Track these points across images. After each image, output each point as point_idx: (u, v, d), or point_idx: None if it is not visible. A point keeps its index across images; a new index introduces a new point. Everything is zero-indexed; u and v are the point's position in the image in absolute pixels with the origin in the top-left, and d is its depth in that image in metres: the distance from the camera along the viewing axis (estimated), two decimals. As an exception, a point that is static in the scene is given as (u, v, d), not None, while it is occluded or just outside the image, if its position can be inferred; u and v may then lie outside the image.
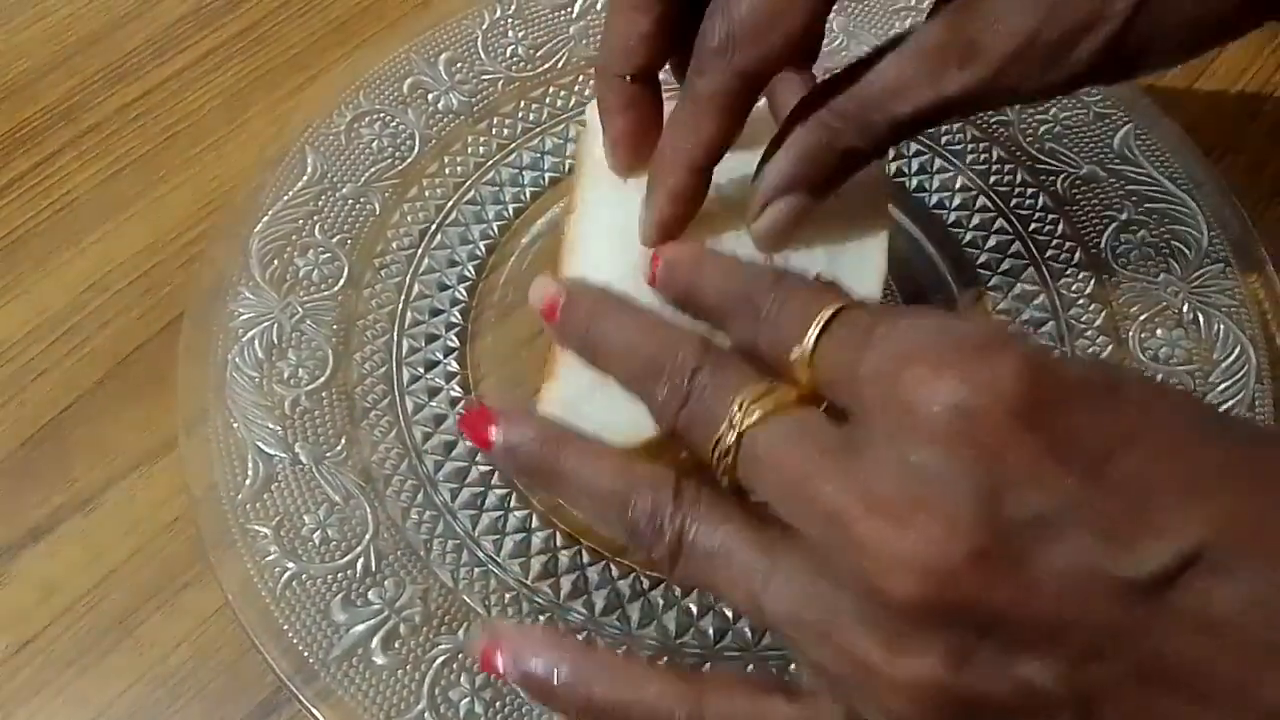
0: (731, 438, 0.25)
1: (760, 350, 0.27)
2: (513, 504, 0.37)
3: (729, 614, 0.35)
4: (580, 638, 0.33)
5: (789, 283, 0.27)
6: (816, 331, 0.25)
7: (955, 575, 0.21)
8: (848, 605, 0.23)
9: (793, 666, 0.34)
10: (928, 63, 0.30)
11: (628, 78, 0.33)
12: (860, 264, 0.35)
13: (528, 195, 0.43)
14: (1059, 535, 0.21)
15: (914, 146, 0.44)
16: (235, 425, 0.37)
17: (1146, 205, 0.42)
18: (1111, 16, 0.29)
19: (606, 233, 0.35)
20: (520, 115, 0.45)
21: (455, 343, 0.40)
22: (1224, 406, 0.38)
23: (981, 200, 0.43)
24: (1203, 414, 0.24)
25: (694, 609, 0.35)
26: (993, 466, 0.22)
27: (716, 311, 0.28)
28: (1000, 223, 0.43)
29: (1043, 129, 0.44)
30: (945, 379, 0.22)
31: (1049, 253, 0.42)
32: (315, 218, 0.42)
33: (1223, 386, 0.39)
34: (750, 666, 0.34)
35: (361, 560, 0.35)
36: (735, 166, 0.33)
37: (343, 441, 0.37)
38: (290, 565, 0.35)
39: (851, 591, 0.23)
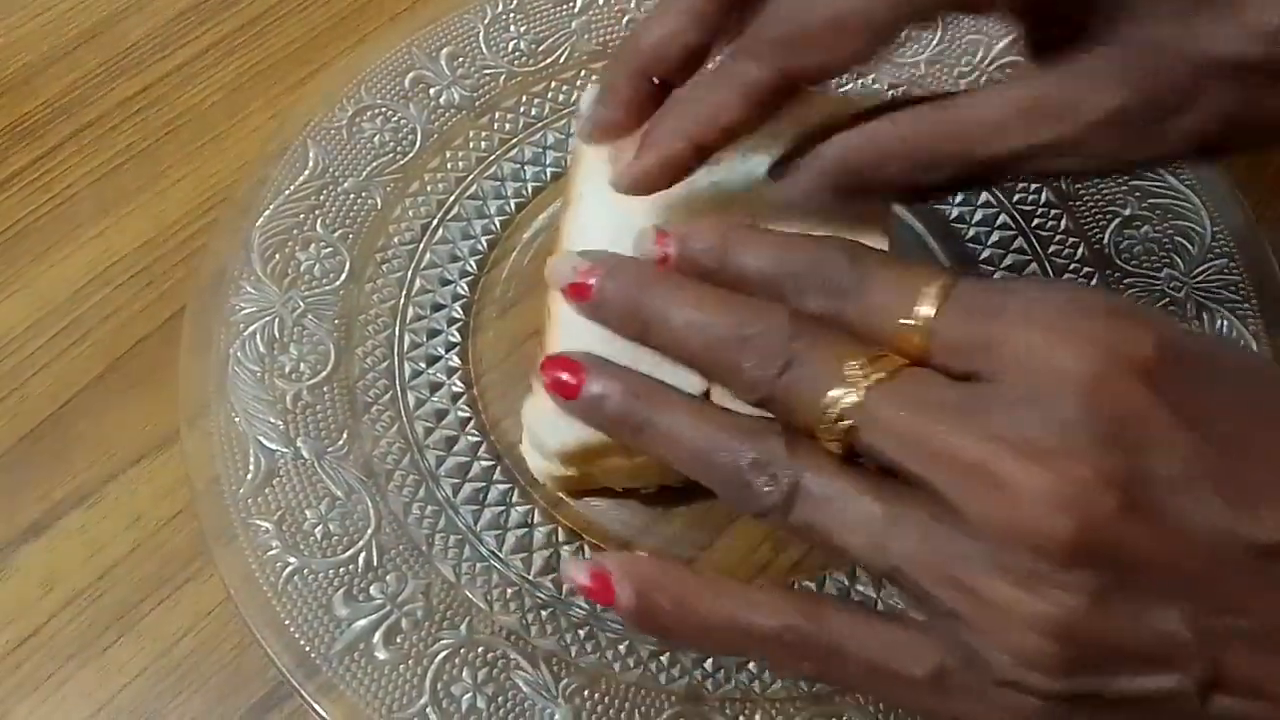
0: (850, 399, 0.25)
1: (849, 321, 0.27)
2: (515, 499, 0.37)
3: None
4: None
5: (866, 254, 0.27)
6: (934, 303, 0.25)
7: (1107, 518, 0.23)
8: (980, 549, 0.24)
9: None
10: (1020, 113, 0.30)
11: (653, 80, 0.32)
12: None
13: (530, 190, 0.43)
14: (1194, 494, 0.23)
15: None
16: (237, 419, 0.37)
17: (1150, 201, 0.42)
18: (1204, 102, 0.29)
19: (603, 226, 0.34)
20: (522, 110, 0.45)
21: (457, 338, 0.40)
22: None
23: (985, 196, 0.43)
24: None
25: (696, 604, 0.35)
26: (1133, 424, 0.23)
27: (766, 288, 0.28)
28: (1003, 218, 0.43)
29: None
30: (1085, 344, 0.24)
31: (1052, 249, 0.42)
32: (317, 212, 0.41)
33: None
34: (752, 663, 0.34)
35: (363, 555, 0.35)
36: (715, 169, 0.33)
37: (344, 436, 0.37)
38: (292, 560, 0.35)
39: (987, 534, 0.23)
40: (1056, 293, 0.25)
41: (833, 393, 0.25)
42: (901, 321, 0.26)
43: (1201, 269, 0.41)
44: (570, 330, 0.31)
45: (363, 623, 0.34)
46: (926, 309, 0.25)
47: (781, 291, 0.27)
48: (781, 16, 0.30)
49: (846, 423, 0.25)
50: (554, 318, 0.33)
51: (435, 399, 0.39)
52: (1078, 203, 0.43)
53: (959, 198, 0.43)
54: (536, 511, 0.37)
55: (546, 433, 0.33)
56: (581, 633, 0.35)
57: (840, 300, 0.27)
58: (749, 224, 0.30)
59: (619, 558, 0.27)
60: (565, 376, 0.28)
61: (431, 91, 0.44)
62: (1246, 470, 0.23)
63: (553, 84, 0.45)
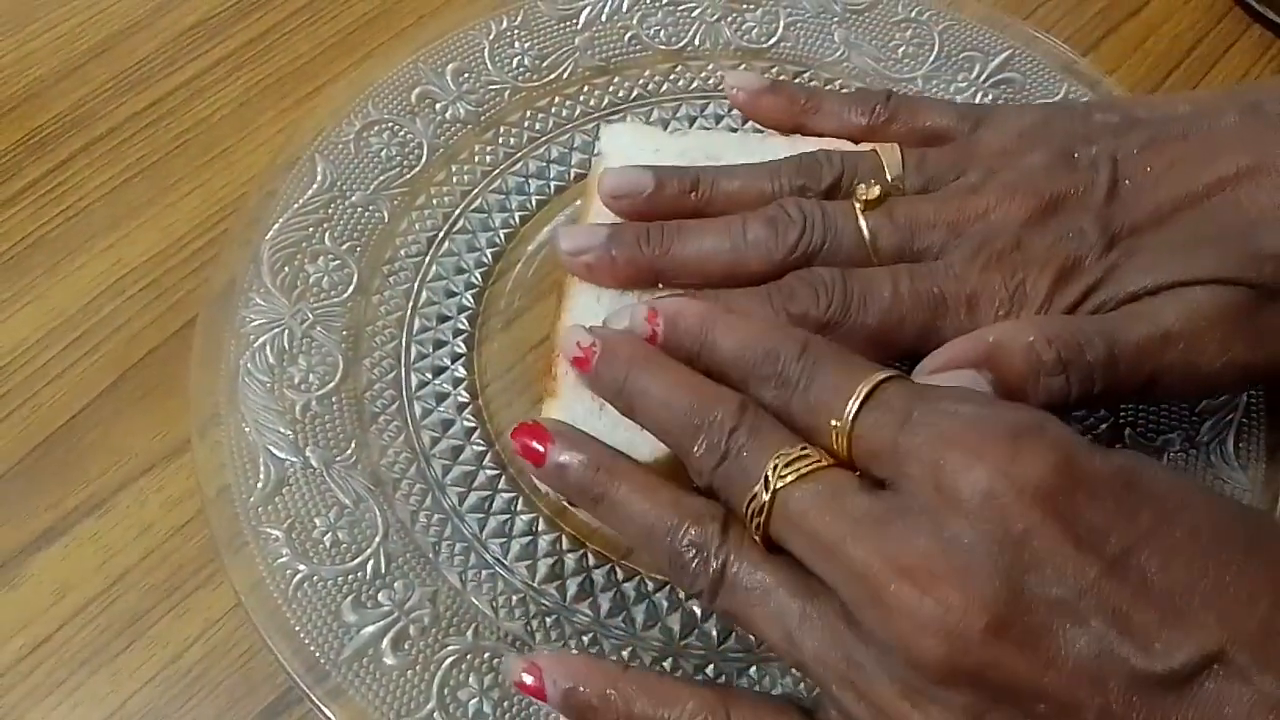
0: (765, 496, 0.26)
1: (792, 415, 0.28)
2: (520, 507, 0.38)
3: (732, 616, 0.36)
4: (615, 659, 0.34)
5: (818, 349, 0.28)
6: (856, 406, 0.26)
7: (972, 642, 0.23)
8: (873, 657, 0.25)
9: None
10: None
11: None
12: None
13: (534, 203, 0.44)
14: (1079, 619, 0.23)
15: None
16: (247, 429, 0.38)
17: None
18: None
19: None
20: (526, 124, 0.45)
21: (462, 349, 0.41)
22: (1217, 413, 0.39)
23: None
24: (1226, 514, 0.25)
25: (698, 612, 0.36)
26: (1019, 548, 0.23)
27: (734, 370, 0.29)
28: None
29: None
30: (981, 465, 0.24)
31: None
32: (325, 225, 0.42)
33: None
34: (753, 668, 0.35)
35: (371, 562, 0.36)
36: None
37: (352, 445, 0.38)
38: (301, 567, 0.35)
39: (877, 646, 0.24)
40: (968, 407, 0.26)
41: (754, 488, 0.27)
42: (831, 422, 0.27)
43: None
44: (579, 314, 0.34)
45: (371, 629, 0.35)
46: (850, 412, 0.26)
47: (745, 378, 0.29)
48: (837, 300, 0.31)
49: (760, 518, 0.26)
50: (565, 301, 0.35)
51: (441, 409, 0.39)
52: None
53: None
54: (540, 519, 0.37)
55: None
56: (585, 639, 0.35)
57: (787, 393, 0.28)
58: (741, 303, 0.31)
59: (553, 657, 0.29)
60: (534, 444, 0.30)
61: (438, 106, 0.45)
62: (1146, 596, 0.23)
63: (557, 99, 0.46)
